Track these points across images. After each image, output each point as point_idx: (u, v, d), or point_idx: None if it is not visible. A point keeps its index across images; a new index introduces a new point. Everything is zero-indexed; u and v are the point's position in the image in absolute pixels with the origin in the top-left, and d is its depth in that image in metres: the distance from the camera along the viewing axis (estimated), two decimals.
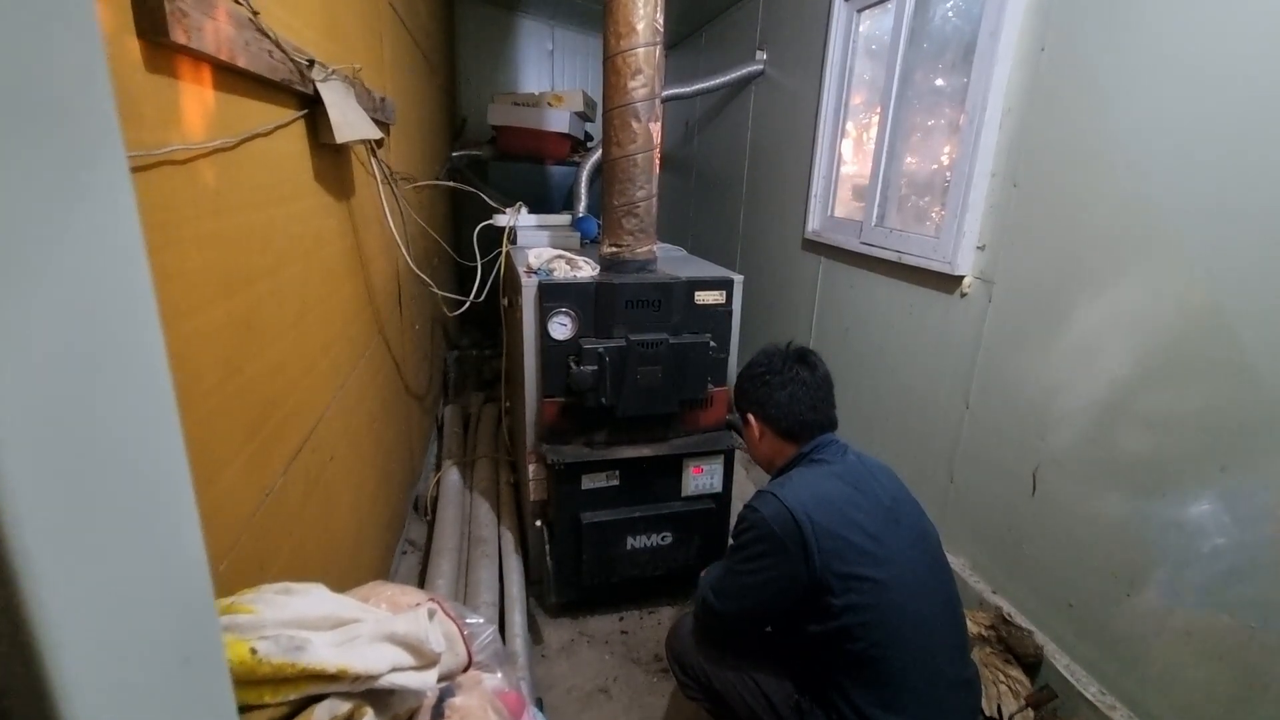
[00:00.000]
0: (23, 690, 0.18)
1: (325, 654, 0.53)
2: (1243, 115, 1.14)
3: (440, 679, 0.64)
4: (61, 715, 0.19)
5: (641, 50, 1.59)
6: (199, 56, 0.76)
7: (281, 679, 0.52)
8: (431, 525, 2.13)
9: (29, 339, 0.20)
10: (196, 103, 0.78)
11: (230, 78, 0.86)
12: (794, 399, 1.23)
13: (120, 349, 0.24)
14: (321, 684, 0.54)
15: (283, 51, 0.97)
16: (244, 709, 0.51)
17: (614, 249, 1.75)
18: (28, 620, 0.18)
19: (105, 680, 0.21)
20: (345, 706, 0.55)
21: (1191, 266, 1.23)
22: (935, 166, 2.03)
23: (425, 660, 0.60)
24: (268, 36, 0.92)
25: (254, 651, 0.51)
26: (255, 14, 0.88)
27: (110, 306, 0.24)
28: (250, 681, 0.51)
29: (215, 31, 0.76)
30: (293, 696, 0.53)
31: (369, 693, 0.57)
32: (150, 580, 0.25)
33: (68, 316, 0.22)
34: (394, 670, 0.57)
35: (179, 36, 0.67)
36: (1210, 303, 1.20)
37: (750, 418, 1.30)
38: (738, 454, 1.98)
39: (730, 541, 1.23)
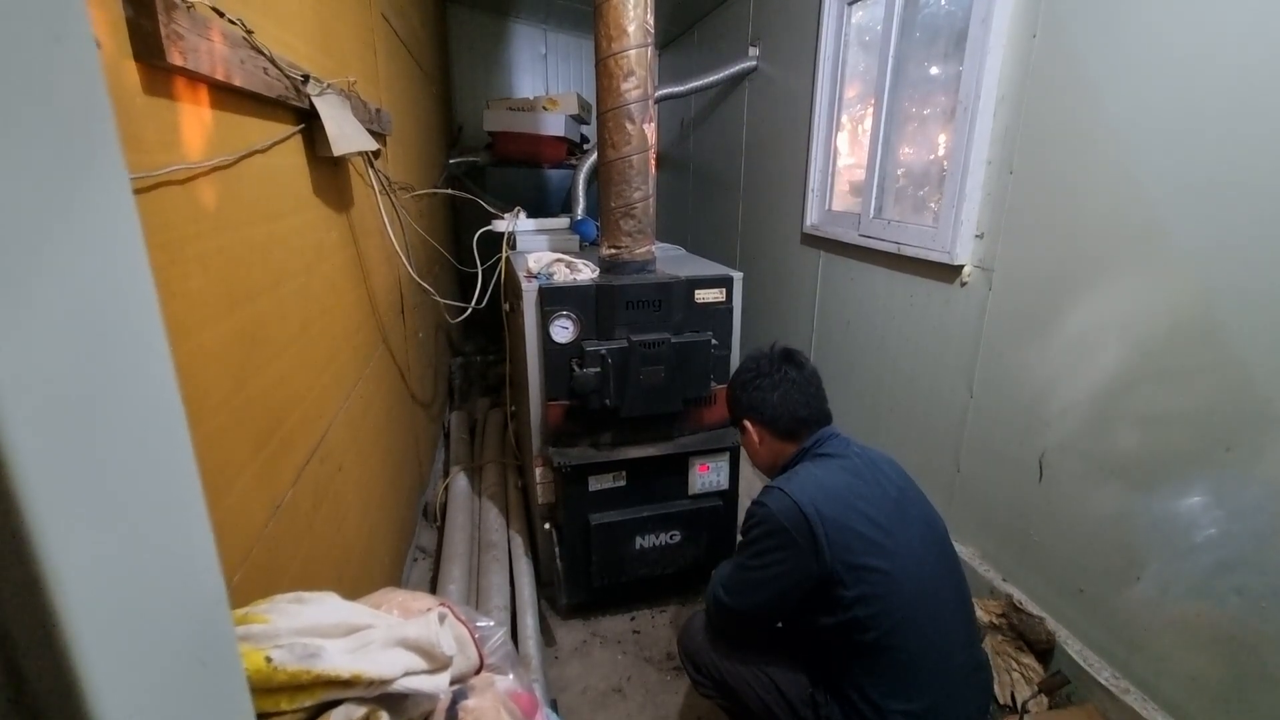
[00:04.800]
0: (55, 691, 0.19)
1: (339, 660, 0.54)
2: (1234, 99, 1.14)
3: (453, 682, 0.65)
4: (92, 714, 0.20)
5: (633, 52, 1.60)
6: (195, 77, 0.77)
7: (297, 686, 0.53)
8: (441, 531, 2.14)
9: (37, 358, 0.21)
10: (195, 122, 0.79)
11: (227, 96, 0.88)
12: (786, 398, 1.25)
13: (128, 364, 0.25)
14: (336, 690, 0.54)
15: (278, 68, 0.98)
16: (262, 716, 0.52)
17: (613, 251, 1.76)
18: (59, 629, 0.19)
19: (130, 682, 0.22)
20: (360, 711, 0.56)
21: (1184, 255, 1.24)
22: (932, 156, 2.03)
23: (437, 664, 0.61)
24: (262, 54, 0.93)
25: (269, 660, 0.52)
26: (250, 32, 0.89)
27: (117, 324, 0.25)
28: (267, 689, 0.52)
29: (210, 52, 0.77)
30: (309, 703, 0.54)
31: (383, 697, 0.58)
32: (167, 591, 0.26)
33: (76, 335, 0.23)
34: (407, 674, 0.58)
35: (175, 59, 0.68)
36: (1204, 292, 1.20)
37: (747, 424, 1.31)
38: (744, 451, 1.99)
39: (739, 538, 1.23)
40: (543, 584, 1.96)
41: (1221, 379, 1.18)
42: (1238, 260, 1.15)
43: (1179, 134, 1.23)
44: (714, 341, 1.76)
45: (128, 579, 0.23)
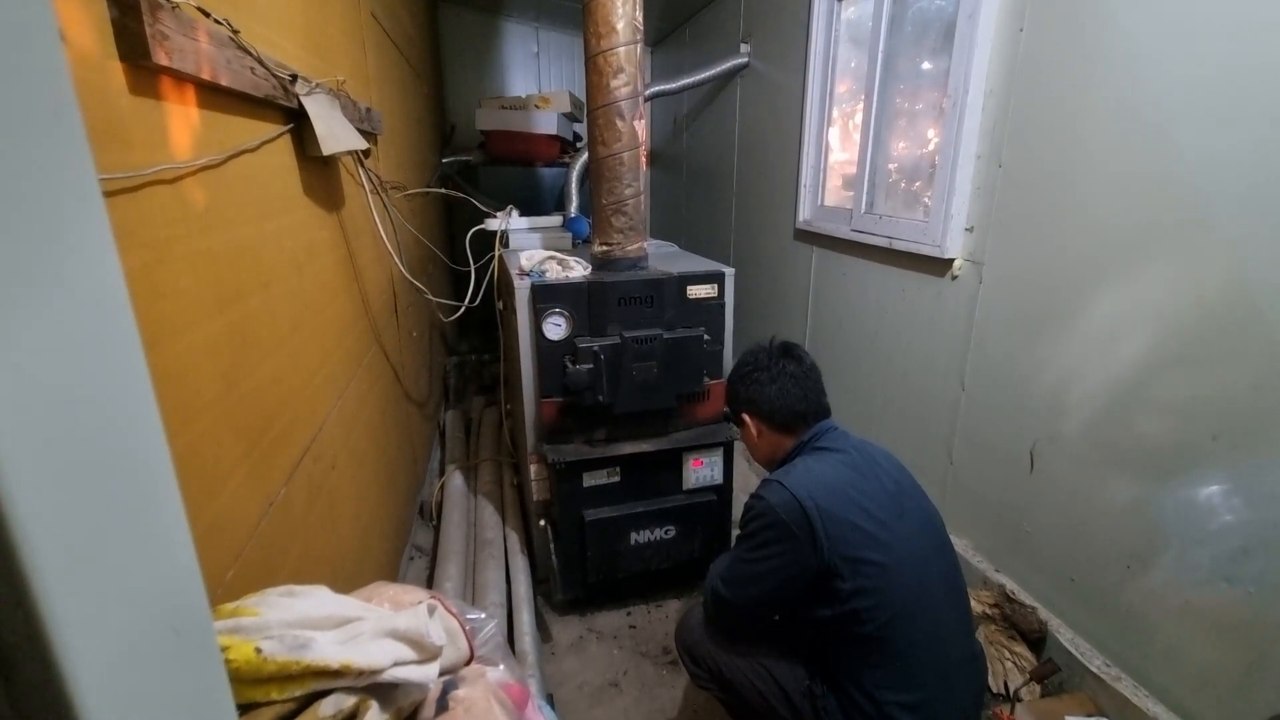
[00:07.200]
0: (30, 653, 0.20)
1: (329, 651, 0.55)
2: (1224, 92, 1.15)
3: (443, 672, 0.66)
4: (65, 673, 0.21)
5: (622, 49, 1.61)
6: (182, 77, 0.77)
7: (287, 676, 0.53)
8: (437, 530, 2.15)
9: (19, 361, 0.22)
10: (182, 122, 0.80)
11: (214, 96, 0.88)
12: (784, 392, 1.25)
13: (102, 361, 0.26)
14: (326, 680, 0.55)
15: (265, 68, 0.99)
16: (252, 705, 0.53)
17: (605, 248, 1.77)
18: (31, 591, 0.20)
19: (100, 643, 0.23)
20: (350, 701, 0.56)
21: (1180, 247, 1.24)
22: (922, 151, 2.04)
23: (427, 654, 0.61)
24: (249, 54, 0.93)
25: (259, 651, 0.53)
26: (236, 32, 0.89)
27: (92, 327, 0.26)
28: (257, 680, 0.53)
29: (197, 52, 0.77)
30: (299, 693, 0.54)
31: (373, 687, 0.58)
32: (139, 561, 0.26)
33: (54, 340, 0.24)
34: (396, 664, 0.59)
35: (161, 58, 0.69)
36: (1198, 281, 1.21)
37: (745, 417, 1.32)
38: (738, 445, 1.99)
39: (737, 531, 1.24)
40: (539, 580, 1.97)
41: (1228, 368, 1.18)
42: (1237, 250, 1.15)
43: (1171, 130, 1.24)
44: (706, 337, 1.77)
45: (99, 549, 0.24)
